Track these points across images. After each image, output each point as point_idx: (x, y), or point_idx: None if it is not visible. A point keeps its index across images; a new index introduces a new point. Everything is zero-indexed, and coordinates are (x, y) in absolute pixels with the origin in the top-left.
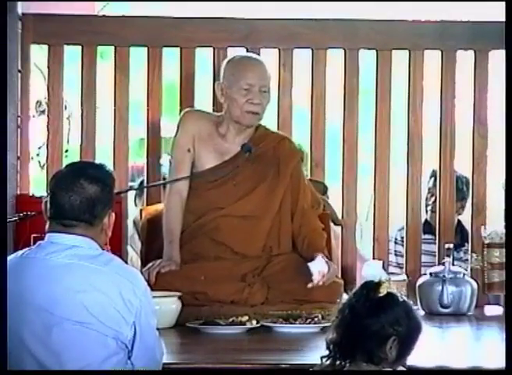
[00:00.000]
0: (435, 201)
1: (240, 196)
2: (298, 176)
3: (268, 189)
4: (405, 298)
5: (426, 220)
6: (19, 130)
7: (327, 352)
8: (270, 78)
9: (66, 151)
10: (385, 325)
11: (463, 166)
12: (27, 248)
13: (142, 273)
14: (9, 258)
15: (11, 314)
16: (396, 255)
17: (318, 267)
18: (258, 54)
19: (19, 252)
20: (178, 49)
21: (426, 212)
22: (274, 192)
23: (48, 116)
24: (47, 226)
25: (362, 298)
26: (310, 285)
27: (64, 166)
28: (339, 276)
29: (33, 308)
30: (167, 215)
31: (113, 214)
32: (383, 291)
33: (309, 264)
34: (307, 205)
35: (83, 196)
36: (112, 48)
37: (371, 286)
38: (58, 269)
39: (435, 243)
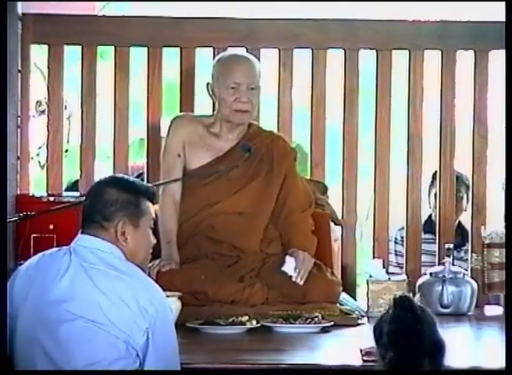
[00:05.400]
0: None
1: (234, 191)
2: (291, 175)
3: (262, 185)
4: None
5: (427, 220)
6: (19, 130)
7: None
8: (259, 75)
9: (66, 151)
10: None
11: (463, 166)
12: (55, 249)
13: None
14: (36, 256)
15: (31, 308)
16: (396, 254)
17: (290, 266)
18: (258, 54)
19: (48, 251)
20: (178, 49)
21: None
22: (268, 188)
23: (48, 116)
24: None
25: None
26: (300, 282)
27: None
28: (339, 276)
29: (50, 301)
30: (162, 217)
31: (128, 224)
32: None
33: (282, 269)
34: (296, 206)
35: (99, 197)
36: (112, 48)
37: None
38: (80, 270)
39: (435, 243)
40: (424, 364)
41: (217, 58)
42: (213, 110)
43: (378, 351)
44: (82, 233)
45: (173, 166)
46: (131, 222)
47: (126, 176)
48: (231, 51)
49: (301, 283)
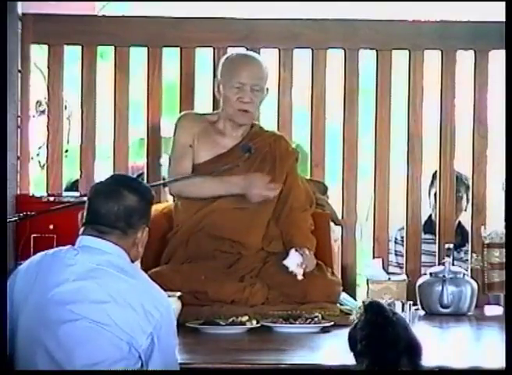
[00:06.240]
0: None
1: None
2: (293, 175)
3: None
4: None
5: (427, 220)
6: (19, 130)
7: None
8: (266, 76)
9: (66, 151)
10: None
11: (463, 166)
12: (58, 248)
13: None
14: (37, 255)
15: (33, 308)
16: (396, 254)
17: (293, 261)
18: (258, 54)
19: (50, 251)
20: (178, 49)
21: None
22: None
23: (48, 116)
24: (80, 231)
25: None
26: (300, 278)
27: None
28: (339, 276)
29: (53, 301)
30: (194, 188)
31: (147, 230)
32: (387, 309)
33: (284, 262)
34: (298, 205)
35: (121, 204)
36: (112, 48)
37: (378, 309)
38: (85, 271)
39: (435, 243)
40: (400, 365)
41: (226, 56)
42: (213, 109)
43: (356, 360)
44: (86, 234)
45: (184, 156)
46: (147, 228)
47: (140, 181)
48: (242, 50)
49: (300, 278)
